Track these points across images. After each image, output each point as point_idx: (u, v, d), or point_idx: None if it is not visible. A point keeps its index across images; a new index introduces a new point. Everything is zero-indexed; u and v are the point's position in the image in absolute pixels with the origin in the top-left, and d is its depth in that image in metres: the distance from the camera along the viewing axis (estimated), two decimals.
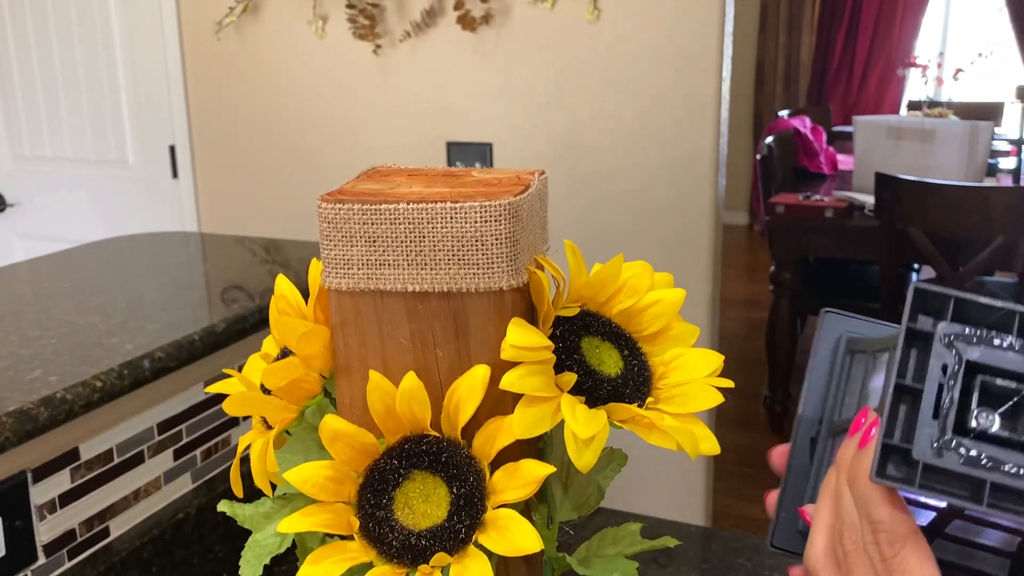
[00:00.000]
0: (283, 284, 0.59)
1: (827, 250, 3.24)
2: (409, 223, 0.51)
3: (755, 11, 6.13)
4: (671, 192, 2.18)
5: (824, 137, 3.97)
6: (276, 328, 0.58)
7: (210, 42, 2.49)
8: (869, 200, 3.01)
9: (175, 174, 2.65)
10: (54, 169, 2.81)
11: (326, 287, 0.53)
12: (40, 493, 0.88)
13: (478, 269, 0.51)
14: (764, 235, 4.06)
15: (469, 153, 2.33)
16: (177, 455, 1.05)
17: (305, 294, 0.59)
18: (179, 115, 2.59)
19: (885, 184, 2.71)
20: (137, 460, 0.99)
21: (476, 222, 0.50)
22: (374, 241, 0.51)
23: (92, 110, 2.70)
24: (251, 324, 1.08)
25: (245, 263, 1.39)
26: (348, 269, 0.52)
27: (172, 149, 2.63)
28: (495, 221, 0.50)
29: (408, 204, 0.51)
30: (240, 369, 0.64)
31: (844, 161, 3.97)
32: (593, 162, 2.22)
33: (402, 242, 0.51)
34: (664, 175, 2.18)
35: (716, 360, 0.56)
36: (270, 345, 0.63)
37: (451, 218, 0.51)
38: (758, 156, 3.42)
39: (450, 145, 2.34)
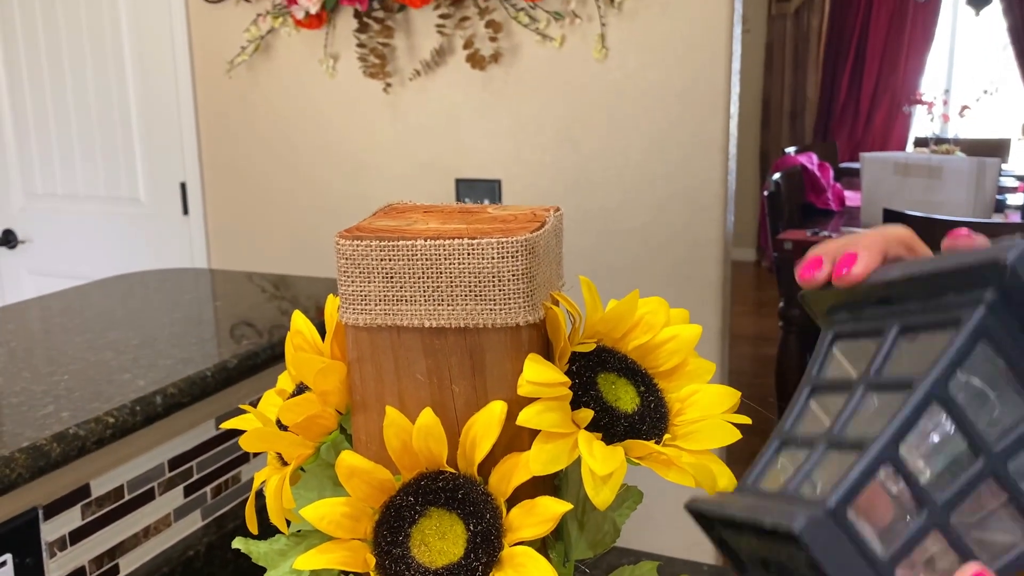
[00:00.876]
0: (299, 320, 0.59)
1: None
2: (426, 259, 0.51)
3: (760, 49, 6.19)
4: (679, 228, 2.19)
5: (831, 174, 3.99)
6: (293, 364, 0.58)
7: (222, 80, 2.53)
8: None
9: (185, 210, 2.67)
10: (65, 206, 2.83)
11: (343, 323, 0.53)
12: (51, 530, 0.88)
13: (495, 305, 0.51)
14: (772, 271, 4.06)
15: (478, 189, 2.34)
16: (187, 492, 1.04)
17: (319, 329, 0.60)
18: (190, 152, 2.61)
19: (893, 220, 2.71)
20: (147, 497, 0.99)
21: (493, 258, 0.51)
22: (391, 277, 0.51)
23: (104, 147, 2.72)
24: (263, 360, 1.08)
25: (255, 299, 1.39)
26: (365, 305, 0.52)
27: (183, 186, 2.65)
28: (512, 257, 0.51)
29: (425, 240, 0.51)
30: (254, 405, 0.64)
31: (852, 197, 3.98)
32: (601, 198, 2.23)
33: (419, 278, 0.51)
34: (672, 211, 2.19)
35: (733, 396, 0.55)
36: (285, 381, 0.63)
37: (468, 254, 0.51)
38: (765, 193, 3.43)
39: (459, 182, 2.35)
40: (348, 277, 0.52)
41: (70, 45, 2.69)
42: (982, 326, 0.35)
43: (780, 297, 3.16)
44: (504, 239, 0.51)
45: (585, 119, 2.19)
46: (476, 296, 0.51)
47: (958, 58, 6.14)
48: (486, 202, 2.35)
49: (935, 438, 0.36)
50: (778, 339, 3.24)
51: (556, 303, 0.55)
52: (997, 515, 0.37)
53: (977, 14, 3.78)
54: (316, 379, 0.53)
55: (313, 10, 2.26)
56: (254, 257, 2.61)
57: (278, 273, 2.49)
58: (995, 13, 5.66)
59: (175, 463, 1.02)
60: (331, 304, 0.57)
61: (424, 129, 2.35)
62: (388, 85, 2.34)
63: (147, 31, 2.58)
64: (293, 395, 0.59)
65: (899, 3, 5.77)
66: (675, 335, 0.57)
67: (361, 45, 2.30)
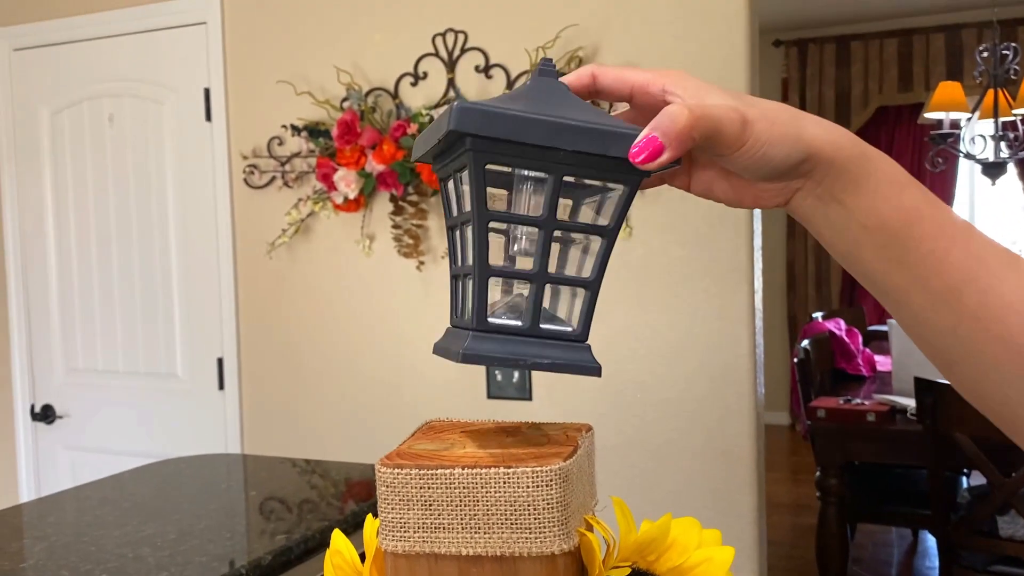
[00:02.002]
0: (339, 540, 0.60)
1: (872, 455, 3.18)
2: (464, 488, 0.53)
3: (783, 216, 6.33)
4: (710, 400, 2.19)
5: (860, 339, 3.99)
6: None
7: (262, 260, 2.63)
8: (911, 404, 2.98)
9: (221, 386, 2.71)
10: (104, 381, 2.89)
11: (383, 549, 0.55)
12: None
13: (530, 533, 0.52)
14: (806, 437, 4.00)
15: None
16: None
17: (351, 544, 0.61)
18: (229, 329, 2.68)
19: (925, 389, 2.70)
20: None
21: (528, 487, 0.52)
22: (430, 505, 0.53)
23: (145, 323, 2.81)
24: (296, 555, 1.09)
25: (289, 487, 1.40)
26: (405, 532, 0.54)
27: (220, 361, 2.71)
28: (546, 486, 0.52)
29: (463, 469, 0.53)
30: None
31: (882, 362, 3.97)
32: (630, 371, 2.25)
33: (456, 506, 0.53)
34: (703, 382, 2.20)
35: None
36: None
37: (504, 483, 0.52)
38: (795, 360, 3.43)
39: None
40: (388, 504, 0.54)
41: (119, 225, 2.83)
42: (479, 158, 0.48)
43: (816, 466, 3.10)
44: (539, 468, 0.52)
45: (612, 294, 2.24)
46: (512, 524, 0.52)
47: (978, 222, 6.24)
48: (515, 375, 2.38)
49: (522, 241, 0.52)
50: (816, 508, 3.16)
51: (590, 527, 0.56)
52: (569, 256, 0.54)
53: (993, 183, 3.88)
54: None
55: (352, 195, 2.38)
56: (286, 432, 2.63)
57: (311, 450, 2.50)
58: (1011, 178, 5.80)
59: None
60: (370, 527, 0.58)
61: None
62: (421, 263, 2.42)
63: (193, 212, 2.72)
64: None
65: (915, 172, 5.94)
66: (709, 558, 0.58)
67: (396, 227, 2.40)
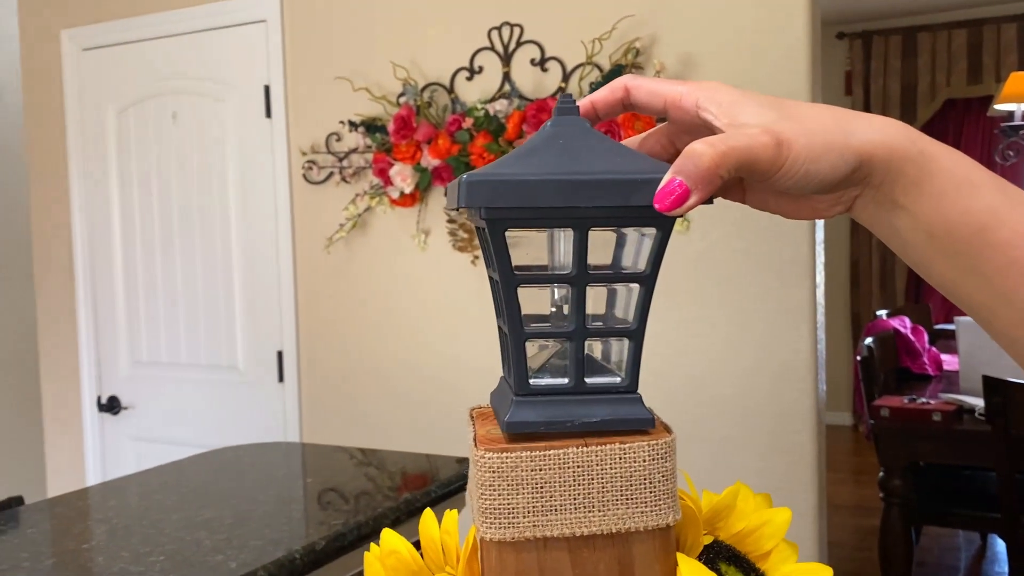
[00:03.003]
0: (393, 539, 0.56)
1: (938, 456, 3.10)
2: (578, 466, 0.51)
3: None
4: (769, 397, 2.16)
5: (926, 337, 3.88)
6: None
7: (320, 255, 2.66)
8: (979, 403, 2.89)
9: (281, 378, 2.75)
10: (167, 374, 2.95)
11: (487, 539, 0.52)
12: None
13: (646, 507, 0.51)
14: (869, 437, 3.91)
15: None
16: None
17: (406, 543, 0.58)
18: (288, 322, 2.72)
19: (995, 388, 2.61)
20: None
21: (645, 461, 0.51)
22: (541, 487, 0.51)
23: (207, 317, 2.86)
24: (350, 541, 1.09)
25: (345, 475, 1.41)
26: (513, 518, 0.51)
27: (279, 354, 2.75)
28: (662, 458, 0.51)
29: (577, 448, 0.52)
30: None
31: (949, 361, 3.86)
32: (687, 366, 2.22)
33: (570, 486, 0.51)
34: (761, 379, 2.16)
35: (825, 573, 0.55)
36: None
37: (620, 459, 0.51)
38: (858, 358, 3.36)
39: None
40: (494, 490, 0.51)
41: (182, 220, 2.88)
42: (495, 227, 0.46)
43: (880, 466, 3.03)
44: (655, 441, 0.51)
45: (668, 286, 2.22)
46: (628, 499, 0.51)
47: None
48: None
49: (557, 300, 0.51)
50: (880, 509, 3.09)
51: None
52: (617, 298, 0.53)
53: None
54: None
55: (408, 190, 2.39)
56: (344, 424, 2.66)
57: (367, 439, 2.52)
58: None
59: None
60: (448, 519, 0.56)
61: None
62: (476, 257, 2.43)
63: (253, 208, 2.76)
64: None
65: (984, 166, 5.77)
66: (769, 519, 0.57)
67: (451, 221, 2.41)
